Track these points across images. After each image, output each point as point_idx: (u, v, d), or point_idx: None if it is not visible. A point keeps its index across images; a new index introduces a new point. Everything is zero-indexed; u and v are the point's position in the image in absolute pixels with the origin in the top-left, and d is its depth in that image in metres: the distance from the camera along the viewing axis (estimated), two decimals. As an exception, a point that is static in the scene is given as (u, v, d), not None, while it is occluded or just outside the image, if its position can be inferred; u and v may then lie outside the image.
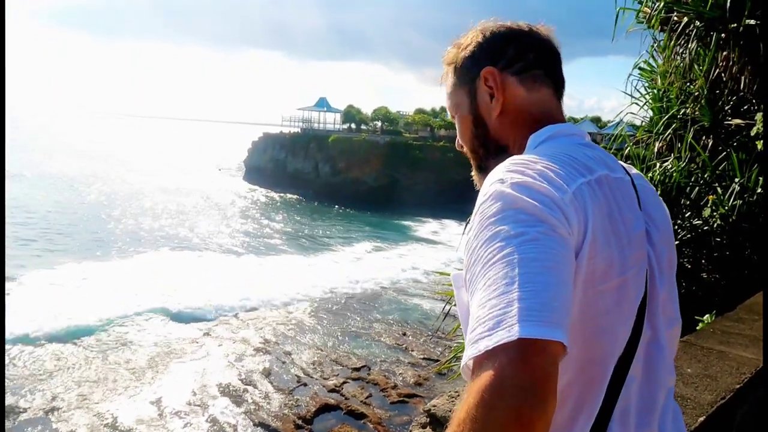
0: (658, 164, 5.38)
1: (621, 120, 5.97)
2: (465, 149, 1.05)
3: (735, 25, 4.44)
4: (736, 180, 4.66)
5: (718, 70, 5.09)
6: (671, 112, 5.67)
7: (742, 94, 5.21)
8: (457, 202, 32.46)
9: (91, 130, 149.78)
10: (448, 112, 1.07)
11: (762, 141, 4.45)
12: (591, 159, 0.85)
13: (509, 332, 0.61)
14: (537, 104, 0.96)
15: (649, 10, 5.99)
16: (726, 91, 5.63)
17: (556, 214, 0.73)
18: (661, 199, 1.00)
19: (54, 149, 74.24)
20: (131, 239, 24.04)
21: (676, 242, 4.61)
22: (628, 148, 6.02)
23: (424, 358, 11.63)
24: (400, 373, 11.03)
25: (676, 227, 4.69)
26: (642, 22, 6.15)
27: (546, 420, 0.57)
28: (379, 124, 46.85)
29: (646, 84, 6.18)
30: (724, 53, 5.07)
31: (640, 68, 6.19)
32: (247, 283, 18.11)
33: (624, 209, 0.83)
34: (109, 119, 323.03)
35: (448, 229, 30.49)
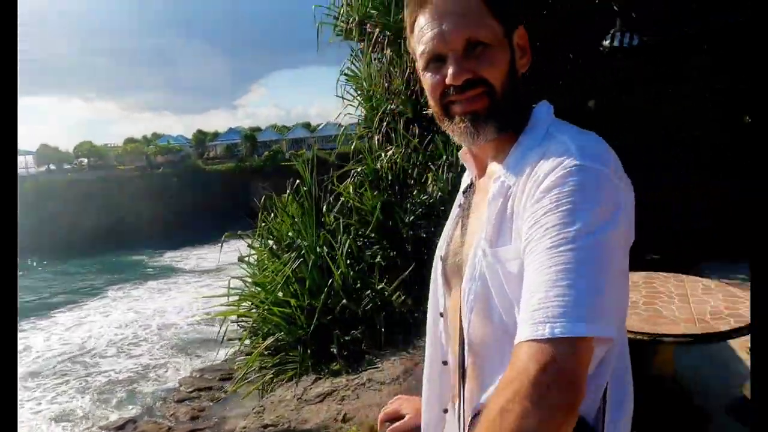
0: (383, 154, 6.08)
1: (332, 122, 6.62)
2: None
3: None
4: (443, 158, 5.53)
5: (411, 69, 5.97)
6: (382, 109, 6.44)
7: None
8: (190, 227, 31.22)
9: None
10: None
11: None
12: None
13: (574, 326, 0.63)
14: None
15: (345, 24, 6.75)
16: (419, 86, 6.67)
17: (627, 201, 0.75)
18: None
19: None
20: None
21: (414, 218, 5.30)
22: (354, 143, 6.68)
23: (194, 390, 10.93)
24: (171, 414, 10.20)
25: (409, 205, 5.40)
26: (340, 35, 6.89)
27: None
28: (85, 161, 42.22)
29: (355, 87, 6.92)
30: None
31: (345, 74, 6.90)
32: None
33: None
34: None
35: (193, 256, 28.97)
